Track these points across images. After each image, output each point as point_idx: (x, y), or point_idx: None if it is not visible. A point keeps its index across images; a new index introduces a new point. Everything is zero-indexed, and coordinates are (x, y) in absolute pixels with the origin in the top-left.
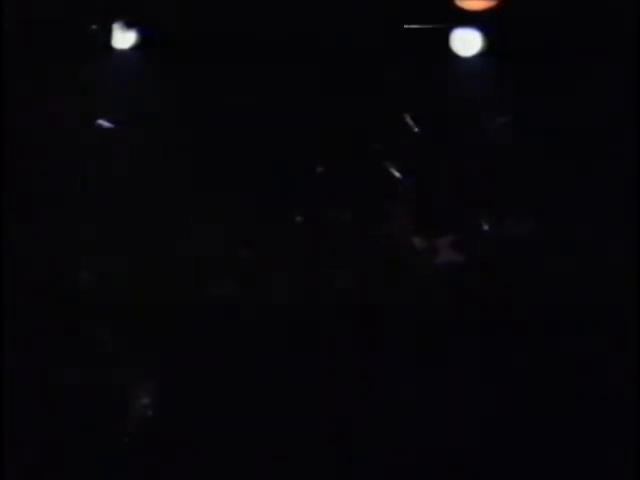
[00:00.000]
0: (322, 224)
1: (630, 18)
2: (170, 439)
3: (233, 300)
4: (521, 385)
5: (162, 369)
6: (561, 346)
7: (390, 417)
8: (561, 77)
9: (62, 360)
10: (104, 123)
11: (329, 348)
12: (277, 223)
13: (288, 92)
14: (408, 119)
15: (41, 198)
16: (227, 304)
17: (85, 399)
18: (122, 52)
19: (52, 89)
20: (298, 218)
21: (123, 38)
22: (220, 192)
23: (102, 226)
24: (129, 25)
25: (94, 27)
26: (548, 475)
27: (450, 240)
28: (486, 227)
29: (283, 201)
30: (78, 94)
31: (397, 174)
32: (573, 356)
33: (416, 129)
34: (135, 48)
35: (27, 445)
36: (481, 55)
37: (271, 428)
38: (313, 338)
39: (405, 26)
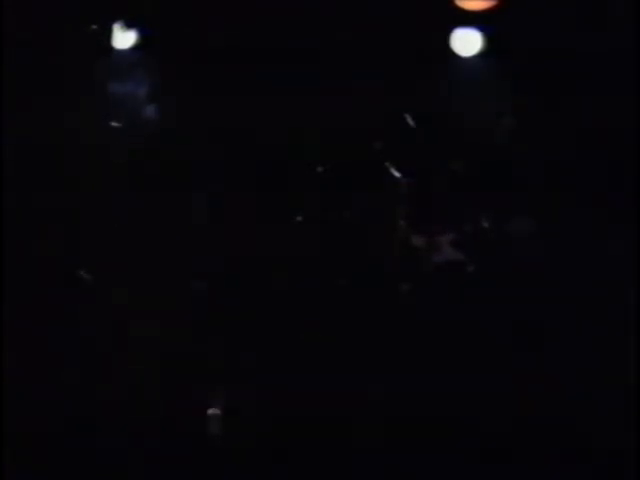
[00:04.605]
0: (322, 224)
1: (630, 18)
2: None
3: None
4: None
5: None
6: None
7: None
8: (561, 77)
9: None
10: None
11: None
12: (277, 223)
13: (288, 92)
14: (408, 119)
15: (40, 198)
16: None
17: None
18: (122, 52)
19: (52, 89)
20: (298, 218)
21: (123, 38)
22: (219, 191)
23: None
24: (129, 25)
25: (94, 27)
26: None
27: (450, 239)
28: (486, 225)
29: (283, 201)
30: (77, 94)
31: (397, 174)
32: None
33: (416, 129)
34: (135, 48)
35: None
36: (481, 55)
37: None
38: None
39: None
